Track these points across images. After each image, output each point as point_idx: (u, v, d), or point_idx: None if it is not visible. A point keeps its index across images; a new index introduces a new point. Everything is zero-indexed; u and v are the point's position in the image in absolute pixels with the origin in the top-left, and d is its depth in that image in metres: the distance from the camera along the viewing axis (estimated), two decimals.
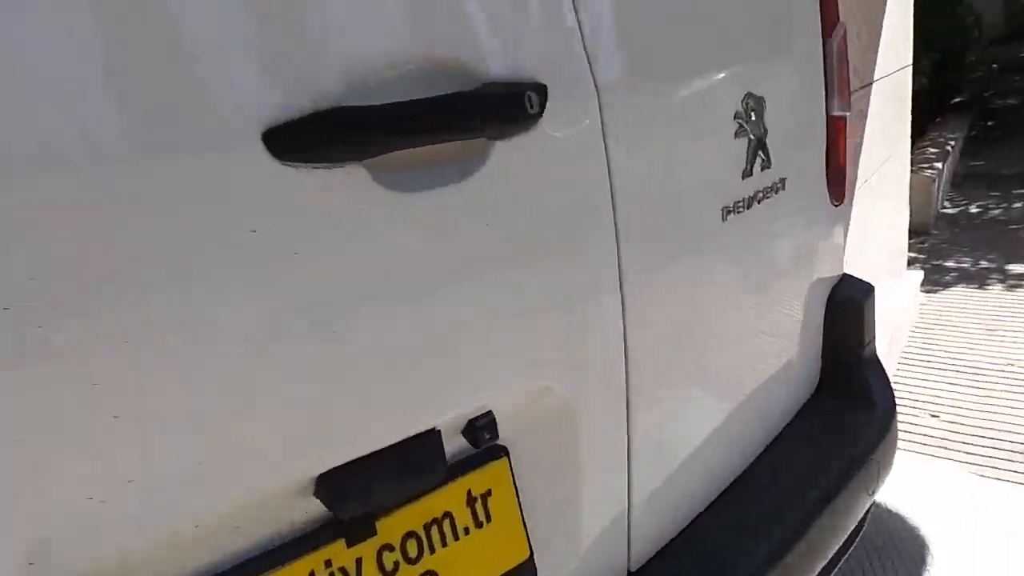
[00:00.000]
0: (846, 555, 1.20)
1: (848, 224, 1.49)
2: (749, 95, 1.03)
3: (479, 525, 0.79)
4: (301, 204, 0.61)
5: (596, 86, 0.82)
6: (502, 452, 0.81)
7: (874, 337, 1.45)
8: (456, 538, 0.77)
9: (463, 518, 0.78)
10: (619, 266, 0.85)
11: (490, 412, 0.78)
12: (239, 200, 0.57)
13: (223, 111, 0.57)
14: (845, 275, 1.43)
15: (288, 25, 0.60)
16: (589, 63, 0.81)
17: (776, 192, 1.11)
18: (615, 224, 0.85)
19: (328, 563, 0.68)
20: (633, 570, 0.96)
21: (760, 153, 1.06)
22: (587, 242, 0.84)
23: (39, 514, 0.51)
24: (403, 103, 0.66)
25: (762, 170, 1.07)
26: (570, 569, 0.88)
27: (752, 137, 1.04)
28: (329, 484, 0.65)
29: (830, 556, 1.12)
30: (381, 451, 0.69)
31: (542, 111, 0.76)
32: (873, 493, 1.25)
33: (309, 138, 0.60)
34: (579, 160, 0.82)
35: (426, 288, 0.69)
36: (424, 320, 0.70)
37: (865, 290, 1.43)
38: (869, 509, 1.27)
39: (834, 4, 1.29)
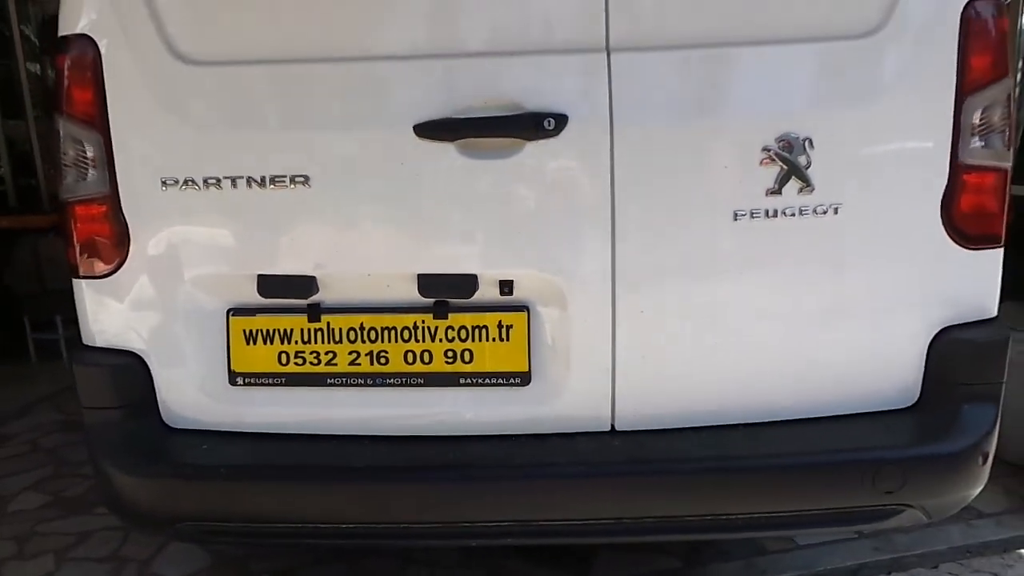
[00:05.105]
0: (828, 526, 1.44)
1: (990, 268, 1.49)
2: (786, 134, 1.36)
3: (502, 340, 1.45)
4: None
5: (611, 123, 1.35)
6: (524, 308, 1.45)
7: (993, 380, 1.50)
8: (488, 340, 1.45)
9: (493, 332, 1.45)
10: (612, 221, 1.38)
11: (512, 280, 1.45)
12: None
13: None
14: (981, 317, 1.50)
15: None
16: (611, 109, 1.35)
17: (821, 213, 1.40)
18: (612, 211, 1.38)
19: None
20: (618, 428, 1.47)
21: (795, 179, 1.38)
22: (585, 209, 1.39)
23: None
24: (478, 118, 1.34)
25: (798, 193, 1.38)
26: (560, 394, 1.47)
27: (784, 167, 1.37)
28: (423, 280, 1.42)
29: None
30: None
31: (559, 131, 1.34)
32: (888, 492, 1.43)
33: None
34: (587, 159, 1.36)
35: (481, 212, 1.38)
36: (480, 227, 1.39)
37: (988, 334, 1.50)
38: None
39: (984, 59, 1.40)
